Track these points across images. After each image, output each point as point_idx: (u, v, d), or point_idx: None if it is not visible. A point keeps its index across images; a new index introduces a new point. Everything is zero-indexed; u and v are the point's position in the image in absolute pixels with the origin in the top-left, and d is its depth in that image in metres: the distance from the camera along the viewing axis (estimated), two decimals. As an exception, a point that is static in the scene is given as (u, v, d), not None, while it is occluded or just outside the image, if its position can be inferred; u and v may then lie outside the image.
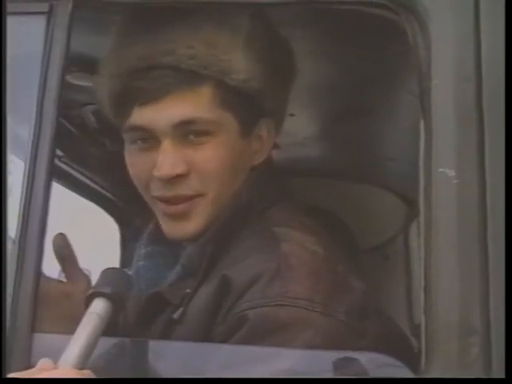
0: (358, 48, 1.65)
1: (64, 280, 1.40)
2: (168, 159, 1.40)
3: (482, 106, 1.21)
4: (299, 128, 2.08)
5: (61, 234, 1.39)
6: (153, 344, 1.28)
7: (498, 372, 1.14)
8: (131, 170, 1.48)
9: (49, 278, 1.38)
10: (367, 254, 2.32)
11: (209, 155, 1.42)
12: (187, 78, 1.40)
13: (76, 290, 1.37)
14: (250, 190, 1.47)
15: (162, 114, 1.40)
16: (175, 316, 1.37)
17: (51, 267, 1.40)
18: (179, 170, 1.41)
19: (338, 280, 1.36)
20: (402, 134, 1.90)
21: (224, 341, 1.30)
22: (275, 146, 1.54)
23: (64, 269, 1.39)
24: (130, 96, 1.42)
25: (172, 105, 1.40)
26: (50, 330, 1.27)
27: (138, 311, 1.41)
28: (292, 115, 1.98)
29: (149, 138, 1.43)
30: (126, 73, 1.43)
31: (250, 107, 1.45)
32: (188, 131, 1.41)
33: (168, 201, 1.43)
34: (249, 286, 1.32)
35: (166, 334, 1.38)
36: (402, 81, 1.70)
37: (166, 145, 1.41)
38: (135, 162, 1.46)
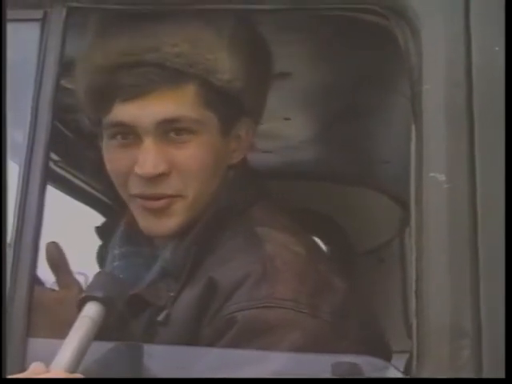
0: (352, 52, 1.66)
1: (56, 288, 1.41)
2: (150, 158, 1.40)
3: (472, 110, 1.22)
4: (294, 132, 2.09)
5: (53, 242, 1.39)
6: (137, 347, 1.28)
7: (489, 374, 1.16)
8: (109, 166, 1.48)
9: (42, 287, 1.39)
10: (362, 257, 2.33)
11: (191, 154, 1.42)
12: (172, 76, 1.40)
13: (69, 296, 1.38)
14: (231, 189, 1.47)
15: (145, 111, 1.40)
16: (160, 318, 1.37)
17: (46, 272, 1.41)
18: (161, 169, 1.40)
19: (321, 279, 1.37)
20: (396, 136, 1.91)
21: (211, 343, 1.31)
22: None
23: (57, 276, 1.40)
24: (111, 91, 1.41)
25: (156, 102, 1.40)
26: (44, 336, 1.28)
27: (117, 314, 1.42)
28: (287, 119, 1.99)
29: (130, 134, 1.42)
30: (107, 67, 1.42)
31: (232, 107, 1.45)
32: (170, 129, 1.41)
33: (147, 198, 1.43)
34: (235, 288, 1.33)
35: (148, 337, 1.38)
36: (395, 84, 1.71)
37: (148, 143, 1.40)
38: (114, 157, 1.46)
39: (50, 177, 2.13)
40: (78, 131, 2.13)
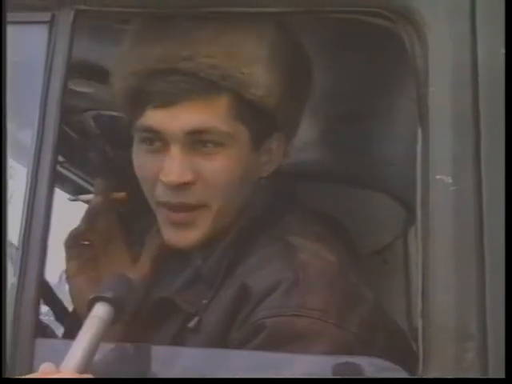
0: (358, 55, 1.66)
1: None
2: (176, 166, 1.39)
3: (478, 113, 1.22)
4: (300, 133, 2.09)
5: None
6: (164, 350, 1.29)
7: (494, 376, 1.16)
8: (137, 171, 1.47)
9: None
10: (367, 258, 2.33)
11: (218, 167, 1.41)
12: (205, 86, 1.39)
13: None
14: (264, 196, 1.48)
15: (175, 118, 1.39)
16: (191, 325, 1.38)
17: (53, 273, 1.42)
18: (186, 178, 1.40)
19: (351, 291, 1.38)
20: (401, 138, 1.91)
21: (239, 347, 1.31)
22: (285, 155, 1.55)
23: None
24: (145, 96, 1.41)
25: (186, 111, 1.39)
26: None
27: (144, 315, 1.42)
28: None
29: (158, 141, 1.42)
30: (143, 73, 1.41)
31: (264, 122, 1.44)
32: (199, 140, 1.40)
33: (172, 208, 1.43)
34: (267, 295, 1.33)
35: (178, 341, 1.38)
36: (400, 86, 1.71)
37: (175, 151, 1.40)
38: (142, 163, 1.46)
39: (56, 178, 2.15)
40: (82, 132, 2.14)
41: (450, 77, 1.24)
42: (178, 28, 1.40)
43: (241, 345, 1.31)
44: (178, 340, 1.39)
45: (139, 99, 1.43)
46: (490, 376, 1.16)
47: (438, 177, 1.21)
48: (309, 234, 1.44)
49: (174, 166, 1.40)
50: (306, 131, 2.10)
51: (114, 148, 2.13)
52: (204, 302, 1.39)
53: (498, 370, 1.17)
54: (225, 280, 1.40)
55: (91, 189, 2.34)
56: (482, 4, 1.25)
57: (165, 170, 1.40)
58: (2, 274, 1.26)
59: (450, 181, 1.21)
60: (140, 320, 1.40)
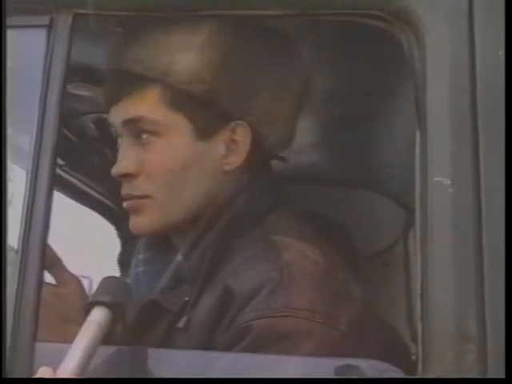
0: (356, 57, 1.66)
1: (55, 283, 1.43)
2: (120, 158, 1.48)
3: (476, 115, 1.22)
4: (298, 136, 2.09)
5: None
6: (153, 351, 1.29)
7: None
8: None
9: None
10: (367, 260, 2.33)
11: (156, 157, 1.45)
12: (135, 80, 1.46)
13: (67, 292, 1.41)
14: (247, 197, 1.47)
15: (117, 112, 1.48)
16: (180, 325, 1.38)
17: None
18: (128, 169, 1.46)
19: (338, 289, 1.37)
20: (400, 140, 1.92)
21: (227, 350, 1.30)
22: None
23: (53, 274, 1.42)
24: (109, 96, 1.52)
25: (126, 105, 1.47)
26: (45, 334, 1.29)
27: (135, 318, 1.42)
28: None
29: (118, 137, 1.52)
30: (110, 73, 1.54)
31: (205, 110, 1.45)
32: (135, 130, 1.46)
33: (124, 197, 1.49)
34: (252, 297, 1.32)
35: (167, 342, 1.39)
36: (399, 88, 1.72)
37: (121, 143, 1.49)
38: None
39: (55, 181, 2.15)
40: (82, 136, 2.14)
41: (448, 79, 1.24)
42: (145, 32, 1.47)
43: (228, 348, 1.31)
44: (168, 341, 1.39)
45: (107, 99, 1.53)
46: (490, 377, 1.16)
47: (436, 179, 1.21)
48: (295, 233, 1.44)
49: (119, 158, 1.48)
50: (305, 134, 2.11)
51: (113, 151, 2.13)
52: (186, 299, 1.40)
53: (497, 371, 1.17)
54: (208, 280, 1.40)
55: (91, 192, 2.35)
56: (480, 6, 1.25)
57: (116, 162, 1.48)
58: (1, 278, 1.26)
59: (449, 182, 1.21)
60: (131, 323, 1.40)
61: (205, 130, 1.46)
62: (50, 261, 1.39)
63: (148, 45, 1.46)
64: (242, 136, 1.48)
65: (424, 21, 1.25)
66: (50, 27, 1.33)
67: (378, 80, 1.74)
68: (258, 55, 1.50)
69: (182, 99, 1.45)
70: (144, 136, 1.46)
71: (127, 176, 1.46)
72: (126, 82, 1.47)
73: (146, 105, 1.45)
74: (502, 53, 1.24)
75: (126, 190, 1.48)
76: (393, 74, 1.60)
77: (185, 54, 1.44)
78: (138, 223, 1.48)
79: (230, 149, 1.48)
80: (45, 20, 1.33)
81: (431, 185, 1.22)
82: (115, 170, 1.47)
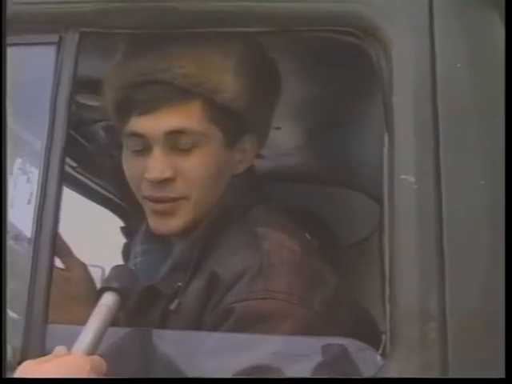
0: (333, 69, 1.66)
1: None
2: (158, 164, 1.42)
3: (438, 119, 1.22)
4: (284, 140, 2.09)
5: None
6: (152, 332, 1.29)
7: (454, 353, 1.16)
8: (126, 172, 1.50)
9: None
10: (346, 250, 2.33)
11: (195, 163, 1.43)
12: (180, 93, 1.41)
13: (74, 275, 1.40)
14: (234, 193, 1.47)
15: (155, 123, 1.42)
16: (172, 307, 1.38)
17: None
18: (167, 174, 1.42)
19: (313, 274, 1.37)
20: (373, 142, 1.91)
21: (213, 330, 1.30)
22: (258, 156, 1.55)
23: (61, 259, 1.40)
24: (129, 106, 1.44)
25: (165, 116, 1.42)
26: (54, 314, 1.28)
27: (135, 303, 1.42)
28: (278, 128, 1.99)
29: (142, 144, 1.44)
30: (126, 85, 1.44)
31: (236, 123, 1.46)
32: (177, 140, 1.42)
33: (155, 200, 1.45)
34: (235, 282, 1.33)
35: (162, 323, 1.38)
36: (371, 96, 1.71)
37: (157, 151, 1.42)
38: (130, 164, 1.48)
39: (68, 181, 2.15)
40: (94, 141, 2.14)
41: (412, 88, 1.24)
42: (156, 45, 1.42)
43: (213, 328, 1.31)
44: (163, 322, 1.39)
45: (125, 108, 1.45)
46: (450, 354, 1.15)
47: (402, 176, 1.21)
48: (276, 225, 1.44)
49: (156, 165, 1.42)
50: (291, 138, 2.11)
51: (121, 154, 2.13)
52: (179, 284, 1.40)
53: (457, 348, 1.16)
54: (198, 268, 1.40)
55: (101, 190, 2.35)
56: (439, 23, 1.25)
57: (149, 168, 1.42)
58: (1, 278, 1.25)
59: (413, 180, 1.20)
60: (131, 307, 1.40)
61: (231, 140, 1.46)
62: (58, 249, 1.37)
63: (195, 61, 1.42)
64: (250, 146, 1.50)
65: (390, 36, 1.25)
66: (59, 44, 1.32)
67: (353, 88, 1.74)
68: None
69: (220, 113, 1.43)
70: (183, 144, 1.42)
71: (165, 181, 1.42)
72: (162, 94, 1.41)
73: (190, 117, 1.42)
74: (459, 65, 1.24)
75: (160, 192, 1.43)
76: (365, 83, 1.60)
77: (226, 75, 1.43)
78: (168, 224, 1.45)
79: (242, 156, 1.49)
80: (54, 38, 1.32)
81: (397, 182, 1.21)
82: (152, 175, 1.42)
